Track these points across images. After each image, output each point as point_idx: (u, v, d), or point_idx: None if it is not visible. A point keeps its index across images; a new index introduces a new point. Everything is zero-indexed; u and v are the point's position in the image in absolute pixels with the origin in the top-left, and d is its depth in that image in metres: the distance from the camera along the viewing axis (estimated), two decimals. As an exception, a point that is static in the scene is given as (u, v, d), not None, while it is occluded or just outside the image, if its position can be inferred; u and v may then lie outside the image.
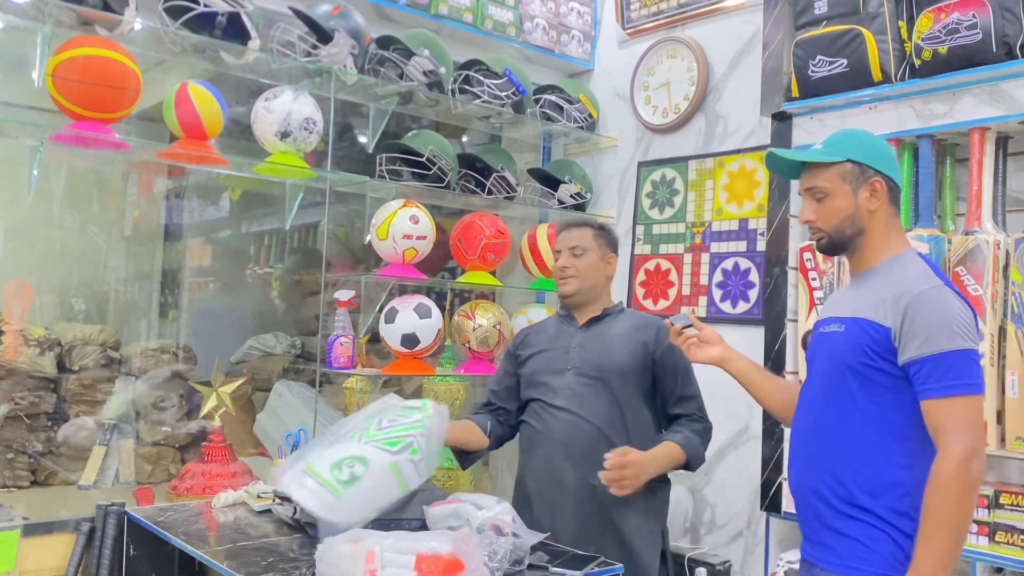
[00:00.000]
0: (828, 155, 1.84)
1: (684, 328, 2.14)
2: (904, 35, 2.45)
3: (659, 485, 2.35)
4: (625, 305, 2.99)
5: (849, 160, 1.82)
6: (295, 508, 2.12)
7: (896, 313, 1.71)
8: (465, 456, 2.46)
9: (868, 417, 1.75)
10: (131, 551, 2.21)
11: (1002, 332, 2.23)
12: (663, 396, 2.39)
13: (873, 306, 1.76)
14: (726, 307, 3.04)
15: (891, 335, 1.72)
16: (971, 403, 1.66)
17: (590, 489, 2.27)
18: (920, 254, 1.89)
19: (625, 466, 2.16)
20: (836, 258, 2.54)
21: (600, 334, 2.41)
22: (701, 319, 2.32)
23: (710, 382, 2.84)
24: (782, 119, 2.71)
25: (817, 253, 2.57)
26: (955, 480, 1.61)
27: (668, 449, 2.27)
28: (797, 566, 2.44)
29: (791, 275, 2.66)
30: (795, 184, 2.67)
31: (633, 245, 3.39)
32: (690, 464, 2.31)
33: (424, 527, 2.04)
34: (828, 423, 1.82)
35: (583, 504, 2.30)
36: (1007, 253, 2.22)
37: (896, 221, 1.87)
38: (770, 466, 2.62)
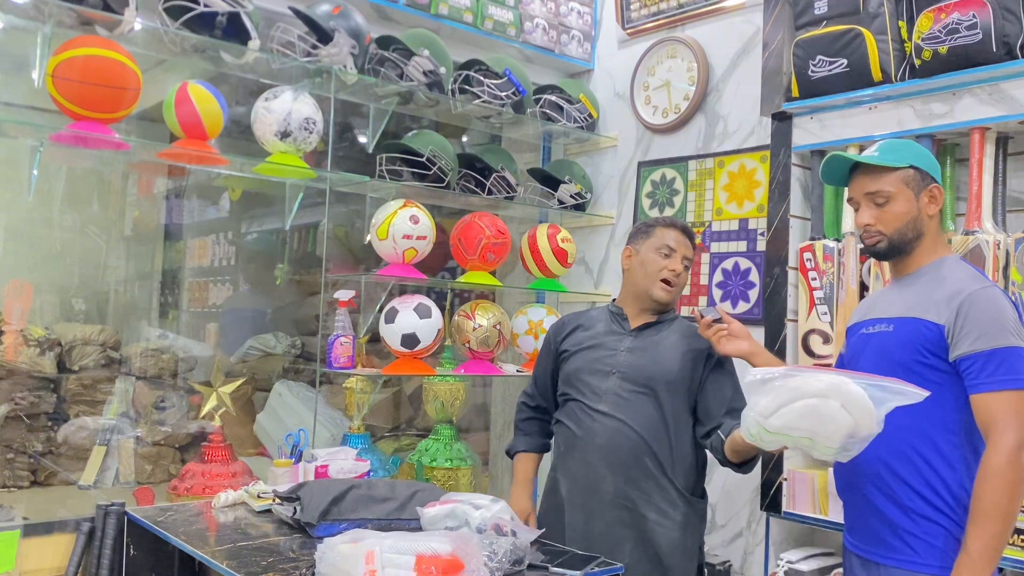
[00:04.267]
0: (893, 160, 1.91)
1: (714, 321, 2.18)
2: (904, 35, 2.45)
3: (698, 500, 2.29)
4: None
5: (912, 166, 1.90)
6: (295, 508, 2.12)
7: (950, 311, 1.78)
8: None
9: (921, 414, 1.79)
10: (131, 551, 2.21)
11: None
12: (709, 406, 2.25)
13: (924, 306, 1.83)
14: (726, 307, 3.04)
15: (944, 332, 1.79)
16: (1020, 397, 1.72)
17: (629, 499, 2.22)
18: (961, 257, 1.99)
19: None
20: (838, 259, 2.54)
21: (652, 341, 2.32)
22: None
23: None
24: (782, 119, 2.71)
25: (817, 253, 2.57)
26: (1008, 470, 1.68)
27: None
28: (797, 566, 2.46)
29: (791, 275, 2.66)
30: (795, 184, 2.70)
31: (633, 245, 3.39)
32: (748, 462, 2.17)
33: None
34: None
35: (620, 513, 2.22)
36: (1007, 253, 2.22)
37: (941, 227, 1.97)
38: (770, 466, 2.62)
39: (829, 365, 2.46)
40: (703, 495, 2.34)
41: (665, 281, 2.32)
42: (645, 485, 2.22)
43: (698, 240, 3.17)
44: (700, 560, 2.33)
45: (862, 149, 2.29)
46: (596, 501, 2.24)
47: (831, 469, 2.27)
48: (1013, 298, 2.18)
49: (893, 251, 1.94)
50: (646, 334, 2.34)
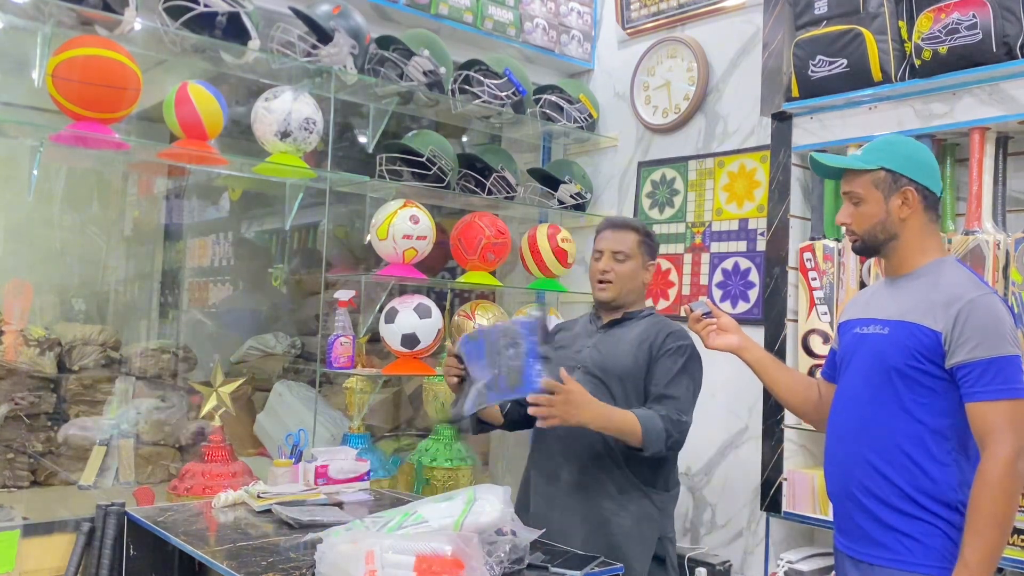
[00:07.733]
0: (863, 162, 1.90)
1: (703, 315, 2.17)
2: (904, 35, 2.45)
3: (658, 492, 2.31)
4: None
5: (883, 168, 1.87)
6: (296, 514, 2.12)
7: (948, 317, 1.76)
8: (480, 424, 2.42)
9: (914, 417, 1.81)
10: (131, 551, 2.21)
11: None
12: (647, 391, 2.27)
13: (920, 310, 1.81)
14: (726, 307, 3.04)
15: (941, 339, 1.77)
16: (1016, 407, 1.71)
17: (584, 487, 2.27)
18: (958, 260, 1.96)
19: (556, 392, 2.03)
20: (838, 259, 2.54)
21: (616, 336, 2.37)
22: None
23: (711, 382, 2.85)
24: (782, 119, 2.71)
25: (817, 253, 2.57)
26: (1005, 479, 1.68)
27: (621, 413, 2.15)
28: (798, 566, 2.46)
29: (791, 275, 2.66)
30: (795, 184, 2.70)
31: (633, 245, 3.39)
32: (645, 442, 2.14)
33: None
34: (873, 423, 1.86)
35: (576, 502, 2.29)
36: (1007, 253, 2.22)
37: (933, 228, 1.92)
38: (770, 466, 2.62)
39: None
40: (668, 488, 2.34)
41: (599, 281, 2.39)
42: (600, 475, 2.26)
43: (697, 240, 3.18)
44: (664, 552, 2.31)
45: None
46: (555, 489, 2.31)
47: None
48: (1011, 297, 2.19)
49: (867, 251, 1.95)
50: (613, 331, 2.40)
